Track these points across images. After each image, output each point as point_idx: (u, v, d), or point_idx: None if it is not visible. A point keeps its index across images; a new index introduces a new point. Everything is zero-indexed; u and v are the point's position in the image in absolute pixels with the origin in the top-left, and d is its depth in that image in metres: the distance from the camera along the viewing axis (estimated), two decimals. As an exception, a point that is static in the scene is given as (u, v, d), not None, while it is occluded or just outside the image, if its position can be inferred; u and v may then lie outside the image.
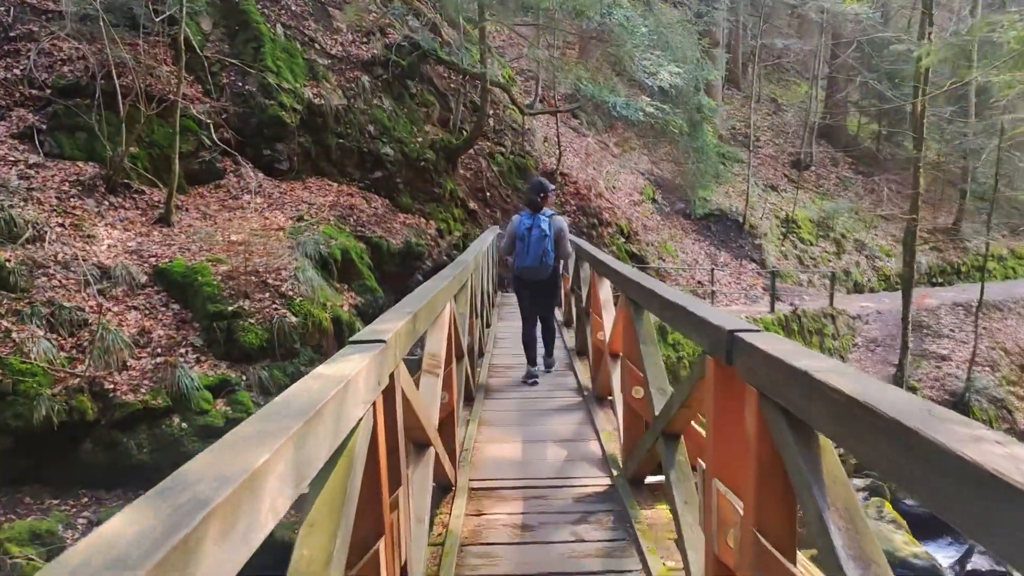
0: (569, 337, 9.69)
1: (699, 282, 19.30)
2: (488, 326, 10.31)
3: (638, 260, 18.20)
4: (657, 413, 3.71)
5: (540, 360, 7.79)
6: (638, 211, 19.92)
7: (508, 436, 5.55)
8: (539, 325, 7.66)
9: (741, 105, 29.22)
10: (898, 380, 16.15)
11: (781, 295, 19.10)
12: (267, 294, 10.56)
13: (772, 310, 16.66)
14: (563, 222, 7.42)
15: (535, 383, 7.36)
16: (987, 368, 17.03)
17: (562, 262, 8.03)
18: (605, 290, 6.35)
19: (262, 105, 13.33)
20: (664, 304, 3.35)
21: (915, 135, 16.25)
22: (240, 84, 13.43)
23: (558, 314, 10.50)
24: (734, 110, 28.64)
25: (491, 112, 18.18)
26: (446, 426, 4.36)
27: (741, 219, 22.09)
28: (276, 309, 10.44)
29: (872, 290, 23.13)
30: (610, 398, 5.78)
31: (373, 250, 13.24)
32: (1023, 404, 17.05)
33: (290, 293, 10.67)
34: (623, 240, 18.32)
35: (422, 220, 14.88)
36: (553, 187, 7.70)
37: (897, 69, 29.71)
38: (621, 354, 4.95)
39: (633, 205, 20.03)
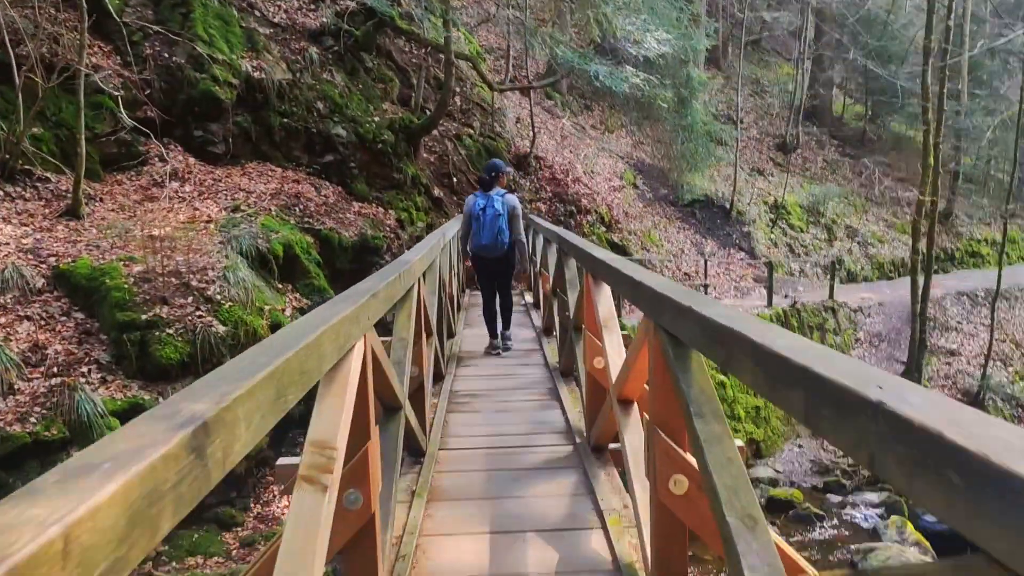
0: (538, 316, 9.36)
1: (686, 273, 17.83)
2: (459, 309, 10.05)
3: (620, 250, 16.66)
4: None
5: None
6: (619, 197, 18.38)
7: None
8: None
9: (723, 86, 27.76)
10: (909, 380, 14.76)
11: (774, 286, 17.68)
12: (190, 299, 8.88)
13: (769, 304, 15.20)
14: (516, 201, 7.72)
15: (498, 353, 7.68)
16: (999, 363, 15.72)
17: (527, 246, 8.52)
18: (571, 270, 5.85)
19: (191, 79, 11.60)
20: (618, 277, 3.26)
21: (924, 103, 14.81)
22: (166, 55, 11.68)
23: (527, 296, 10.68)
24: (716, 91, 27.14)
25: (457, 89, 16.54)
26: (416, 398, 4.45)
27: (728, 205, 20.64)
28: (201, 316, 8.76)
29: (866, 279, 21.79)
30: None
31: (322, 244, 11.59)
32: (1039, 401, 15.76)
33: (218, 297, 9.00)
34: (604, 229, 16.78)
35: (380, 209, 13.25)
36: (509, 168, 8.41)
37: (884, 47, 28.49)
38: (584, 327, 4.85)
39: (613, 191, 18.49)
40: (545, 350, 7.34)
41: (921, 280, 14.65)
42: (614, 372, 3.49)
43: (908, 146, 30.19)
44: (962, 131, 26.25)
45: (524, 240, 8.08)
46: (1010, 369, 15.94)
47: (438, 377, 6.34)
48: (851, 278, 21.68)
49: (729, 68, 28.87)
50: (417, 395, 4.48)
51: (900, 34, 30.23)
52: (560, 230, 6.83)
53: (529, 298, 11.24)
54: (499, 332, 7.87)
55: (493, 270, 7.77)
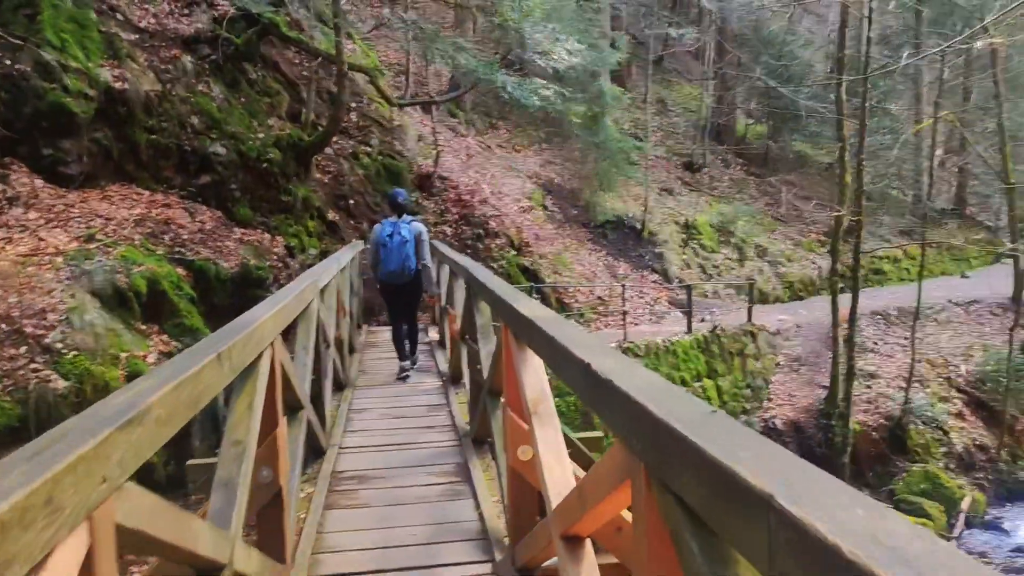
0: (444, 357, 8.58)
1: (599, 298, 16.98)
2: (352, 352, 9.09)
3: (531, 275, 15.69)
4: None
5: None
6: (528, 219, 17.43)
7: (365, 502, 4.69)
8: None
9: (628, 105, 27.29)
10: (833, 406, 14.23)
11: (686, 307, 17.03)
12: (23, 348, 7.38)
13: (689, 330, 14.46)
14: (422, 227, 7.95)
15: (407, 377, 7.75)
16: (916, 384, 15.38)
17: (433, 271, 8.43)
18: (483, 315, 5.09)
19: (38, 89, 10.01)
20: (492, 296, 3.38)
21: (839, 115, 14.42)
22: (8, 62, 10.08)
23: (432, 333, 10.16)
24: (622, 110, 26.64)
25: (353, 104, 15.31)
26: (317, 401, 4.64)
27: (639, 226, 19.96)
28: (36, 371, 7.29)
29: (778, 299, 21.46)
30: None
31: (197, 277, 10.15)
32: (957, 423, 15.49)
33: (59, 345, 7.53)
34: (514, 252, 15.77)
35: (266, 236, 11.88)
36: (405, 194, 8.30)
37: (784, 66, 28.62)
38: (503, 401, 4.22)
39: (522, 212, 17.53)
40: (453, 406, 6.19)
41: (847, 301, 14.19)
42: (552, 491, 2.38)
43: (811, 165, 30.45)
44: (853, 153, 26.46)
45: (431, 265, 8.08)
46: (928, 390, 15.64)
47: (338, 387, 6.24)
48: (763, 299, 21.32)
49: (634, 88, 28.47)
50: (318, 398, 4.62)
51: (799, 54, 30.56)
52: (468, 262, 5.73)
53: (434, 334, 10.07)
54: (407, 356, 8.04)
55: (401, 297, 7.88)
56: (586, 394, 1.81)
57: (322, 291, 5.74)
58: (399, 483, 4.44)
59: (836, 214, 14.29)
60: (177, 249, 10.27)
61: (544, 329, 2.25)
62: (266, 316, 2.89)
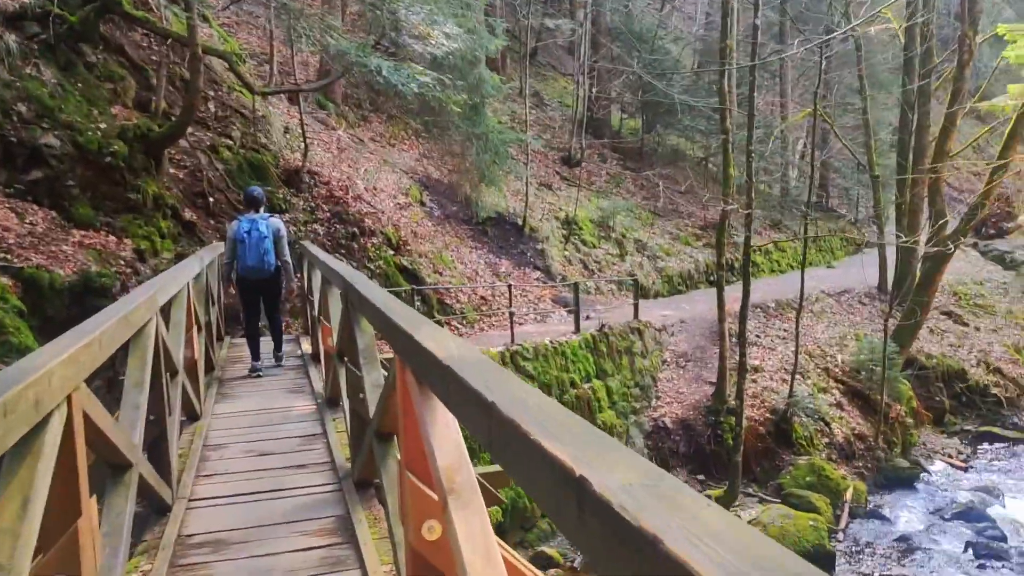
0: (318, 374, 7.69)
1: (482, 297, 16.29)
2: (221, 338, 9.21)
3: (411, 275, 14.83)
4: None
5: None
6: (406, 216, 16.52)
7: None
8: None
9: (504, 97, 26.73)
10: (721, 402, 14.06)
11: (572, 306, 16.59)
12: None
13: (577, 330, 13.96)
14: (280, 223, 8.01)
15: (259, 375, 7.72)
16: (797, 376, 15.46)
17: (292, 266, 8.31)
18: (365, 336, 4.29)
19: None
20: (381, 318, 2.76)
21: (722, 106, 14.26)
22: None
23: (305, 345, 9.41)
24: (498, 103, 26.05)
25: (211, 93, 14.00)
26: (158, 447, 3.90)
27: (520, 222, 19.40)
28: None
29: (658, 294, 21.40)
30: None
31: (26, 287, 8.79)
32: (836, 413, 15.69)
33: None
34: (392, 252, 14.86)
35: (111, 238, 10.52)
36: (261, 190, 8.36)
37: (657, 60, 28.78)
38: (400, 458, 3.38)
39: (399, 209, 16.59)
40: (330, 436, 5.27)
41: (729, 295, 14.02)
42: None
43: (686, 159, 30.81)
44: (734, 144, 26.89)
45: (290, 260, 8.12)
46: (808, 382, 15.78)
47: (192, 417, 5.64)
48: (643, 293, 21.20)
49: (507, 80, 27.92)
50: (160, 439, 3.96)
51: (670, 48, 30.91)
52: (345, 269, 4.86)
53: (307, 345, 9.08)
54: (262, 364, 7.94)
55: (260, 292, 7.91)
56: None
57: (168, 304, 4.77)
58: (265, 549, 3.54)
59: (727, 207, 14.03)
60: (2, 256, 8.88)
61: (474, 387, 1.49)
62: (56, 361, 2.01)
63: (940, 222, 17.06)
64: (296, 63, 16.98)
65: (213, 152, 13.34)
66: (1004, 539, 12.83)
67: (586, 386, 13.40)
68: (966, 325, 22.41)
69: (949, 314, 22.43)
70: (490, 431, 1.39)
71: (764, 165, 28.70)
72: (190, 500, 4.17)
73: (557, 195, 22.87)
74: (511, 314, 12.93)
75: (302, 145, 15.08)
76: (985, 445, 17.95)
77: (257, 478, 4.54)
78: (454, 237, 17.55)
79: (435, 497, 2.17)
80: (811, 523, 11.92)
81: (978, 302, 24.15)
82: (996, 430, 18.57)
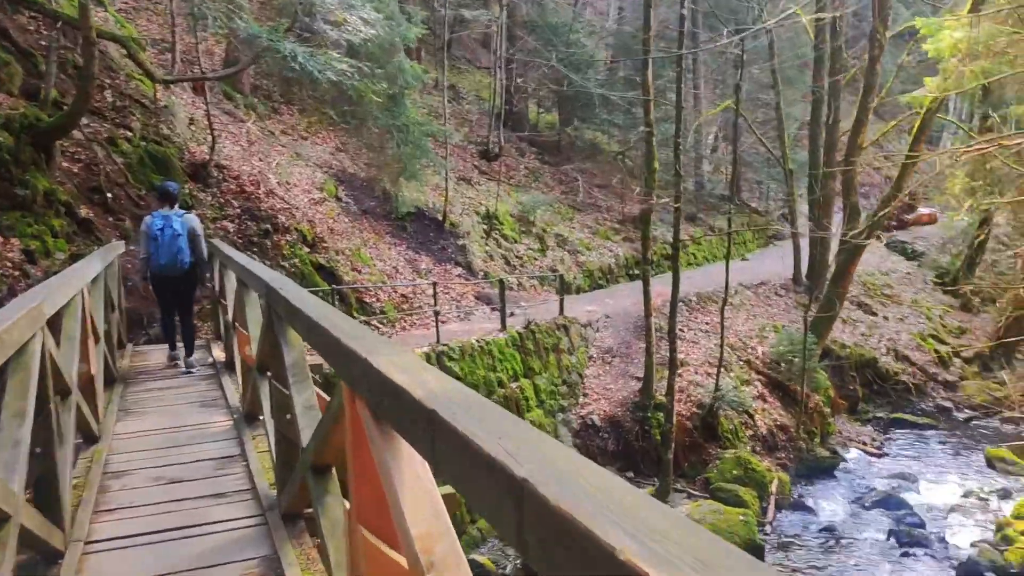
0: (233, 385, 6.98)
1: (403, 295, 15.75)
2: (123, 346, 8.84)
3: (328, 274, 14.18)
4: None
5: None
6: (321, 212, 15.82)
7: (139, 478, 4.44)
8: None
9: (422, 89, 26.12)
10: (649, 397, 13.92)
11: (496, 302, 16.24)
12: None
13: (504, 327, 13.59)
14: (195, 220, 7.91)
15: (177, 364, 7.86)
16: (721, 369, 15.47)
17: (208, 265, 8.23)
18: (294, 351, 3.79)
19: None
20: (319, 335, 2.30)
21: (646, 98, 14.08)
22: None
23: (216, 351, 8.82)
24: (415, 95, 25.39)
25: (107, 81, 13.05)
26: (46, 484, 3.45)
27: (441, 217, 18.90)
28: None
29: (580, 288, 21.22)
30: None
31: None
32: (759, 405, 15.79)
33: None
34: (307, 249, 14.17)
35: (-4, 238, 9.61)
36: (176, 186, 8.26)
37: (574, 53, 28.64)
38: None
39: (314, 204, 15.88)
40: (250, 458, 4.70)
41: (655, 288, 13.86)
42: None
43: (603, 153, 30.79)
44: (658, 137, 26.98)
45: (206, 257, 7.99)
46: (732, 375, 15.81)
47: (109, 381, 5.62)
48: (566, 289, 21.02)
49: (425, 71, 27.33)
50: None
51: (585, 43, 30.80)
52: (267, 272, 4.32)
53: (219, 352, 8.41)
54: (182, 353, 7.94)
55: (174, 290, 7.76)
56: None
57: (59, 315, 4.16)
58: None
59: (653, 201, 13.85)
60: None
61: (487, 451, 1.07)
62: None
63: (854, 214, 17.37)
64: (201, 52, 16.05)
65: (111, 144, 12.42)
66: (923, 525, 13.07)
67: (514, 385, 13.05)
68: (875, 315, 23.02)
69: (859, 304, 22.99)
70: (522, 523, 0.96)
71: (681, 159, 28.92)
72: (86, 543, 3.57)
73: (476, 189, 22.47)
74: (436, 313, 12.45)
75: (209, 137, 14.23)
76: (896, 431, 18.41)
77: (167, 512, 3.97)
78: (372, 233, 16.93)
79: (402, 564, 1.74)
80: (741, 518, 11.87)
81: (886, 292, 24.87)
82: (906, 416, 19.09)
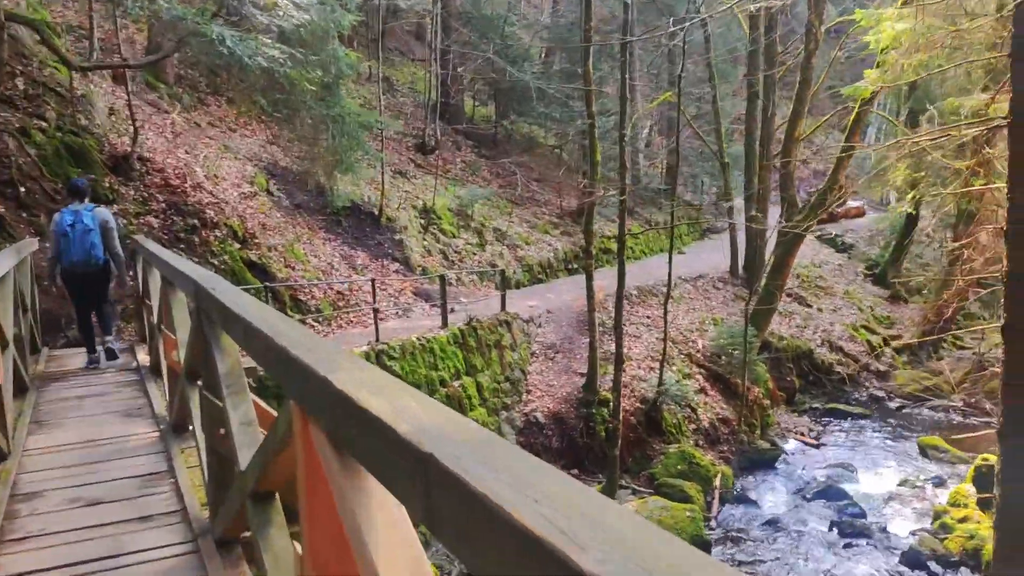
0: (158, 391, 6.47)
1: (339, 292, 15.25)
2: (37, 351, 8.34)
3: (260, 271, 13.63)
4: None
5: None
6: (252, 206, 15.20)
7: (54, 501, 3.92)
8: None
9: (355, 80, 25.50)
10: (593, 393, 13.74)
11: (435, 298, 15.87)
12: None
13: (445, 324, 13.23)
14: (108, 214, 7.80)
15: (96, 367, 7.62)
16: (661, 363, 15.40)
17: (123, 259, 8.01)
18: (227, 359, 3.29)
19: None
20: (253, 336, 2.00)
21: (588, 88, 13.90)
22: None
23: (141, 355, 8.21)
24: (349, 86, 24.76)
25: (18, 68, 12.26)
26: None
27: (377, 211, 18.42)
28: None
29: (520, 283, 20.97)
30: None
31: None
32: (701, 399, 15.77)
33: None
34: (238, 246, 13.58)
35: None
36: (85, 180, 8.20)
37: (509, 46, 28.39)
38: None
39: (244, 199, 15.25)
40: (179, 475, 4.25)
41: (596, 282, 13.68)
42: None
43: (540, 147, 30.61)
44: (586, 133, 26.90)
45: (121, 253, 7.86)
46: (674, 368, 15.75)
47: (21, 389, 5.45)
48: (505, 283, 20.75)
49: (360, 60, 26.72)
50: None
51: (521, 35, 30.59)
52: (197, 270, 3.89)
53: (144, 356, 7.87)
54: (102, 356, 7.81)
55: (88, 286, 7.61)
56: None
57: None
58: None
59: (598, 194, 13.66)
60: None
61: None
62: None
63: (792, 207, 17.52)
64: (121, 40, 15.26)
65: (23, 135, 11.65)
66: (864, 515, 13.19)
67: (456, 383, 12.71)
68: (810, 307, 23.36)
69: (795, 296, 23.29)
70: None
71: (615, 153, 28.94)
72: (-9, 580, 3.16)
73: (413, 183, 22.03)
74: (375, 311, 12.03)
75: (131, 129, 13.50)
76: (832, 421, 18.66)
77: (85, 539, 3.53)
78: (306, 229, 16.37)
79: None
80: (688, 514, 11.78)
81: (819, 284, 25.28)
82: (841, 407, 19.38)
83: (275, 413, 4.59)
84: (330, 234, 17.07)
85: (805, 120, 18.61)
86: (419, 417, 1.08)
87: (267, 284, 11.73)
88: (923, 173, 10.29)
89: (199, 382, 3.65)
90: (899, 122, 22.62)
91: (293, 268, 14.59)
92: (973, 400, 18.93)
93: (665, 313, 14.89)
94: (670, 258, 15.40)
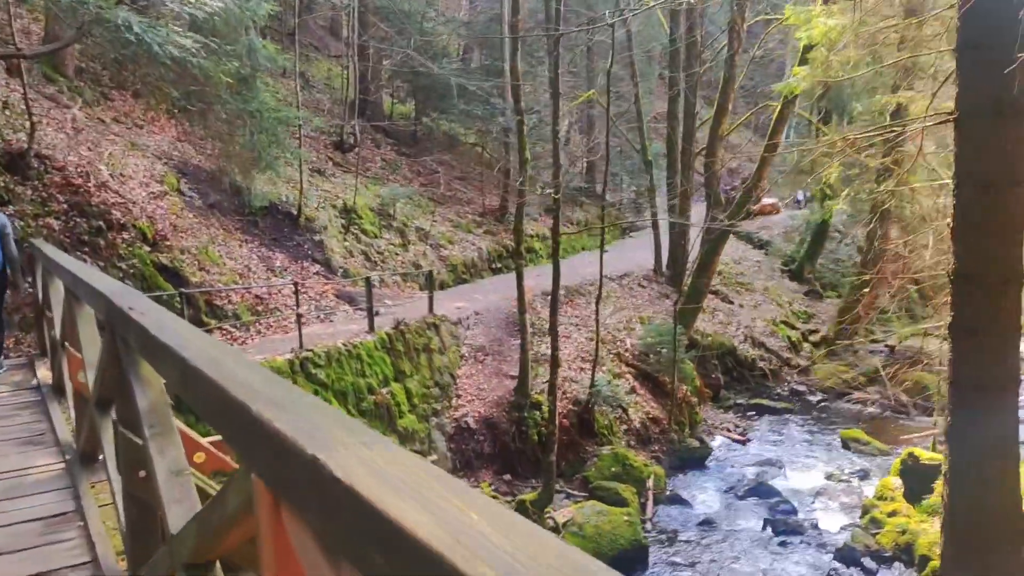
0: (60, 414, 5.72)
1: (258, 296, 14.54)
2: None
3: (172, 275, 12.86)
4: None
5: None
6: (162, 207, 14.35)
7: None
8: None
9: (270, 76, 24.56)
10: (525, 396, 13.44)
11: (359, 301, 15.32)
12: None
13: (371, 329, 12.70)
14: (4, 219, 7.49)
15: None
16: (591, 364, 15.22)
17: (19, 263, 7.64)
18: (149, 392, 2.66)
19: None
20: (185, 370, 1.62)
21: (515, 82, 13.61)
22: None
23: (42, 371, 7.35)
24: (263, 81, 23.81)
25: None
26: None
27: (295, 211, 17.71)
28: None
29: (444, 283, 20.53)
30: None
31: None
32: (632, 398, 15.66)
33: None
34: (147, 249, 12.77)
35: None
36: None
37: (429, 42, 27.91)
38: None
39: (154, 199, 14.38)
40: (90, 518, 3.64)
41: (528, 283, 13.38)
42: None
43: (461, 145, 30.18)
44: (510, 129, 26.61)
45: (17, 256, 7.53)
46: (604, 368, 15.59)
47: None
48: (432, 284, 20.27)
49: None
50: None
51: (441, 31, 30.10)
52: (109, 284, 3.37)
53: (45, 371, 7.15)
54: None
55: None
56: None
57: None
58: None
59: (538, 193, 13.34)
60: None
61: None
62: None
63: (717, 203, 17.59)
64: (16, 30, 14.19)
65: (-97, 130, 10.64)
66: (795, 512, 13.27)
67: (384, 390, 12.22)
68: (732, 303, 23.64)
69: (716, 293, 23.51)
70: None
71: (539, 151, 28.74)
72: None
73: (332, 182, 21.35)
74: (298, 316, 11.44)
75: (27, 124, 12.53)
76: (757, 417, 18.85)
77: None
78: (221, 230, 15.57)
79: None
80: (625, 518, 11.58)
81: (740, 281, 25.61)
82: (765, 402, 19.63)
83: (207, 446, 4.08)
84: (247, 235, 16.30)
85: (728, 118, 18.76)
86: (498, 548, 0.70)
87: (181, 290, 11.01)
88: (856, 170, 10.37)
89: (112, 413, 3.14)
90: (816, 120, 23.06)
91: (208, 272, 13.83)
92: (890, 393, 19.39)
93: (597, 313, 14.73)
94: (601, 257, 15.23)
